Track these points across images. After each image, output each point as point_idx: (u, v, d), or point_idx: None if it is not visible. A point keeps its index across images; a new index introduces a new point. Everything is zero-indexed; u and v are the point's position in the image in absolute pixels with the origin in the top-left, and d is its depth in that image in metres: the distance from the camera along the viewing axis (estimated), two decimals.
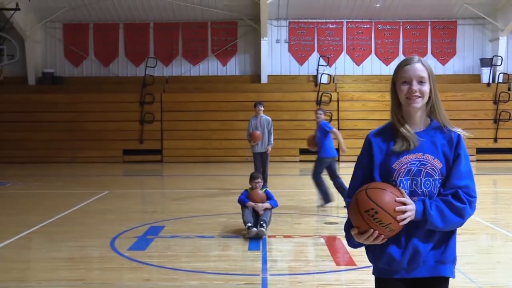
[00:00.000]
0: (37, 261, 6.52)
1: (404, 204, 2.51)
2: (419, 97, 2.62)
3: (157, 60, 21.11)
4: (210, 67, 21.71)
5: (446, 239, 2.63)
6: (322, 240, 7.34)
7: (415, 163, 2.61)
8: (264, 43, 20.50)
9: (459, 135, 2.65)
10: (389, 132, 2.70)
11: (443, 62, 21.63)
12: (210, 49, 21.65)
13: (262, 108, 11.75)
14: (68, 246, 7.09)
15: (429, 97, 2.65)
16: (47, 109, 19.82)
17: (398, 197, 2.52)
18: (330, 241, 7.24)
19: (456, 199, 2.57)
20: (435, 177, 2.60)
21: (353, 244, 2.68)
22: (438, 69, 21.41)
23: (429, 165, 2.60)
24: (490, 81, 20.64)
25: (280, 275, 5.84)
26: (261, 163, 11.69)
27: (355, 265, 6.10)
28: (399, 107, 2.69)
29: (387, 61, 21.47)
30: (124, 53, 21.71)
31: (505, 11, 20.24)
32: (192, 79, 21.32)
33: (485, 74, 20.85)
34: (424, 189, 2.59)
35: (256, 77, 21.25)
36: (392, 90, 2.71)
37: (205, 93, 20.23)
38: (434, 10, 20.99)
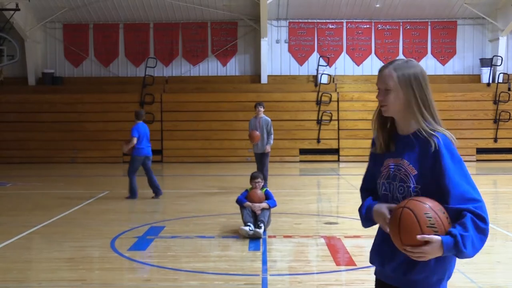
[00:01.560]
0: (37, 261, 6.52)
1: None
2: (384, 105, 2.61)
3: (157, 60, 21.12)
4: (210, 67, 21.71)
5: (436, 259, 2.42)
6: (322, 240, 7.34)
7: (393, 168, 2.58)
8: (264, 43, 20.50)
9: (436, 143, 2.45)
10: None
11: (443, 62, 21.63)
12: (210, 49, 21.65)
13: (262, 109, 11.74)
14: (68, 247, 7.09)
15: (410, 102, 2.54)
16: (47, 109, 19.83)
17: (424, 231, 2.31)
18: (330, 241, 7.24)
19: (479, 219, 2.33)
20: (408, 184, 2.50)
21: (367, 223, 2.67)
22: (438, 69, 21.42)
23: (403, 170, 2.53)
24: (490, 81, 20.63)
25: (280, 275, 5.84)
26: (260, 163, 11.69)
27: (355, 265, 6.10)
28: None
29: (387, 61, 20.61)
30: (124, 53, 21.72)
31: (505, 11, 20.24)
32: (192, 79, 21.32)
33: (485, 74, 20.85)
34: (398, 194, 2.52)
35: (256, 77, 21.25)
36: None
37: (205, 93, 20.23)
38: (434, 10, 20.99)
